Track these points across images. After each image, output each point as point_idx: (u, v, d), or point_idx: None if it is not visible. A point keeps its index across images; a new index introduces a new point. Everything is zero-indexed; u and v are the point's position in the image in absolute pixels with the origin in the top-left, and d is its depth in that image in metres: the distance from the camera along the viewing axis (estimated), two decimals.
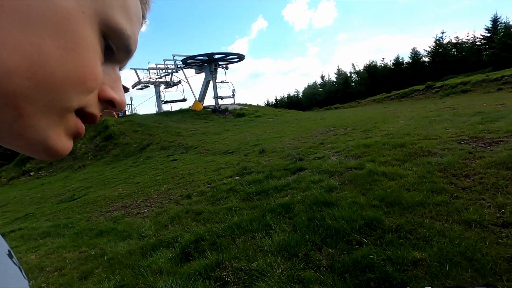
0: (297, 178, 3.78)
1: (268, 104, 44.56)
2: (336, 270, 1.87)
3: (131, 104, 24.62)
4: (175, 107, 23.97)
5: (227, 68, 21.22)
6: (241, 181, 4.11)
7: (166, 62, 23.13)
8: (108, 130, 13.81)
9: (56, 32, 0.19)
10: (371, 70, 36.36)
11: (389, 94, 22.14)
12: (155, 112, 22.51)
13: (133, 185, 5.91)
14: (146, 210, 4.07)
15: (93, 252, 2.96)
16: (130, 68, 23.59)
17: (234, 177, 4.54)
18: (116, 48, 0.24)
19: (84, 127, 0.24)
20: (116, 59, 0.25)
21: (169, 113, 20.21)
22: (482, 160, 2.98)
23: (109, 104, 0.25)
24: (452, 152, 3.43)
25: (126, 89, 22.39)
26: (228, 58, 20.92)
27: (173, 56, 22.72)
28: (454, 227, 2.02)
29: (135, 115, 20.07)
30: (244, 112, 18.25)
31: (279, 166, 4.52)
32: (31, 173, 12.43)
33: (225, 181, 4.40)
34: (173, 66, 23.14)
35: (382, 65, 36.44)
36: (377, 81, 33.99)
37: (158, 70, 23.65)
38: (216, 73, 20.74)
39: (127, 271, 2.42)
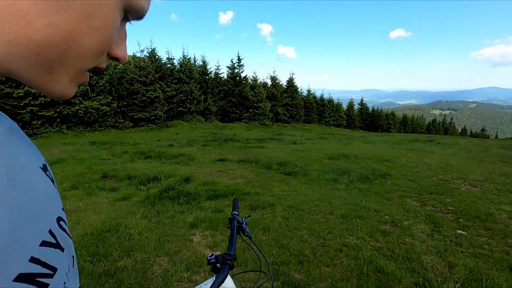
0: None
1: None
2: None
3: None
4: None
5: None
6: None
7: None
8: None
9: (90, 16, 0.24)
10: None
11: None
12: None
13: None
14: None
15: None
16: None
17: None
18: (132, 18, 0.29)
19: (89, 77, 0.29)
20: (128, 21, 0.29)
21: None
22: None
23: (114, 59, 0.30)
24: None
25: None
26: None
27: None
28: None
29: None
30: None
31: None
32: None
33: None
34: None
35: None
36: None
37: None
38: None
39: None
